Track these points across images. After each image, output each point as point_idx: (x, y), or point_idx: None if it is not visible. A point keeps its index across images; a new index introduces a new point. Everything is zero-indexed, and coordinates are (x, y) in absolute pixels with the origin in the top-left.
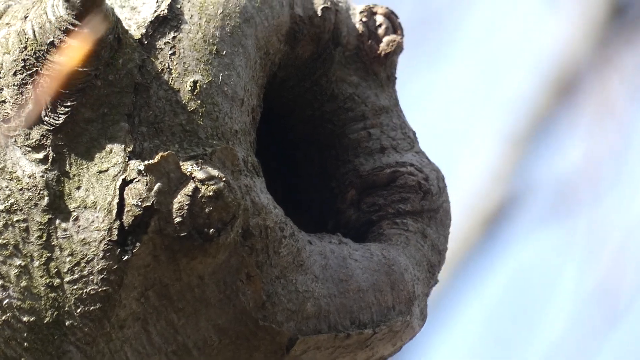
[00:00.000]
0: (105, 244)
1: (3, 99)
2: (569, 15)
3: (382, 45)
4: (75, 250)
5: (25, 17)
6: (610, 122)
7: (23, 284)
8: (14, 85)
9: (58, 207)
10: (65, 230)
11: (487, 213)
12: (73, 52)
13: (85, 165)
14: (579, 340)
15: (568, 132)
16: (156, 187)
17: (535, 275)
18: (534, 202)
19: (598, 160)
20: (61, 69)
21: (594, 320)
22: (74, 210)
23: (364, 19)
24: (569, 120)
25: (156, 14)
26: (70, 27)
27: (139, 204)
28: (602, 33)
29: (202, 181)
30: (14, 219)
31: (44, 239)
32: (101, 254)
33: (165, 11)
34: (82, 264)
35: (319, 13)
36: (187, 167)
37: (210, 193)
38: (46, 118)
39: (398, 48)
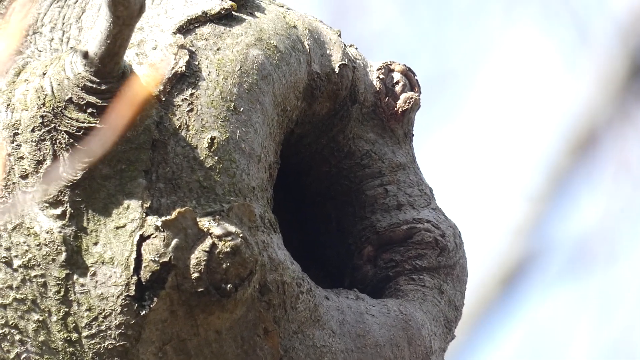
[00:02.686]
0: (122, 299)
1: (21, 155)
2: (588, 73)
3: (400, 103)
4: (92, 305)
5: (44, 74)
6: (628, 180)
7: (41, 338)
8: (32, 141)
9: (76, 263)
10: (82, 285)
11: (506, 270)
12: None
13: (103, 221)
14: None
15: (586, 190)
16: (173, 242)
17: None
18: (552, 259)
19: (616, 217)
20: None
21: None
22: (91, 266)
23: (382, 76)
24: (587, 178)
25: (174, 70)
26: (89, 84)
27: (157, 259)
28: (621, 91)
29: (220, 237)
30: (32, 274)
31: (62, 294)
32: (119, 309)
33: (183, 68)
34: (100, 319)
35: (337, 70)
36: (204, 223)
37: (228, 249)
38: (64, 174)
39: (415, 105)
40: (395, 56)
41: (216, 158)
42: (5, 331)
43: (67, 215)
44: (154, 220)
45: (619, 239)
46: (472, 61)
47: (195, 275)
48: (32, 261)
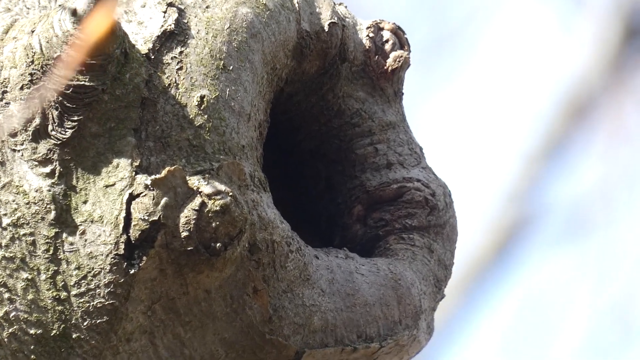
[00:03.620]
0: (112, 258)
1: (10, 113)
2: (584, 38)
3: (389, 61)
4: (82, 264)
5: (32, 32)
6: (624, 144)
7: (30, 297)
8: (20, 99)
9: (65, 221)
10: (72, 244)
11: (502, 233)
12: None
13: (92, 180)
14: None
15: (582, 153)
16: (163, 201)
17: (548, 294)
18: (549, 222)
19: (612, 181)
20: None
21: (608, 340)
22: (80, 224)
23: (371, 35)
24: (584, 141)
25: (163, 28)
26: (77, 41)
27: (146, 218)
28: (617, 55)
29: (209, 196)
30: (21, 233)
31: (51, 252)
32: (108, 268)
33: (172, 26)
34: (89, 278)
35: (326, 28)
36: (194, 181)
37: (217, 208)
38: (53, 132)
39: (405, 64)
40: (390, 18)
41: (206, 116)
42: None
43: (57, 174)
44: (143, 179)
45: (615, 202)
46: (468, 24)
47: (184, 234)
48: (21, 219)
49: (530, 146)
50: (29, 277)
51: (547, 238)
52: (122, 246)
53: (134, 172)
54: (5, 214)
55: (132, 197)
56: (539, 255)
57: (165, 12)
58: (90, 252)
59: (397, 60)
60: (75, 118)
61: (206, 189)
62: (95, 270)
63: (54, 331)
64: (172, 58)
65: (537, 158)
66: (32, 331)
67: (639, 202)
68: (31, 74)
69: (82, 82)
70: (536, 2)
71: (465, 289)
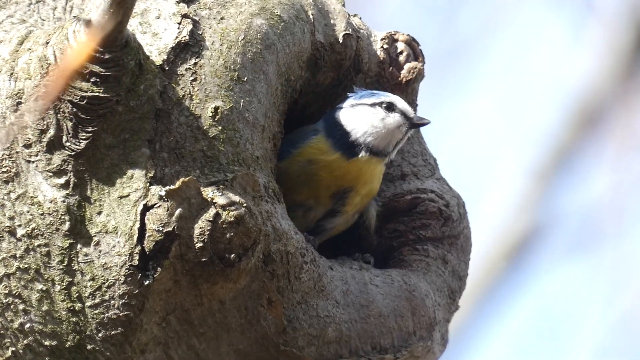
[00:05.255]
0: (126, 269)
1: (25, 124)
2: (594, 48)
3: (403, 72)
4: (96, 275)
5: (47, 43)
6: (635, 154)
7: (44, 308)
8: (35, 110)
9: (79, 232)
10: (86, 254)
11: (512, 244)
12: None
13: (107, 191)
14: None
15: (592, 164)
16: (177, 212)
17: (559, 305)
18: (559, 233)
19: (622, 192)
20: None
21: (619, 351)
22: (95, 235)
23: (386, 46)
24: (594, 152)
25: (177, 40)
26: (92, 53)
27: (160, 229)
28: (627, 66)
29: (223, 207)
30: (36, 244)
31: (65, 263)
32: (122, 279)
33: (187, 37)
34: (104, 289)
35: (340, 40)
36: (208, 192)
37: (232, 218)
38: (67, 143)
39: (419, 75)
40: (402, 29)
41: (220, 127)
42: (9, 300)
43: (71, 185)
44: (157, 190)
45: (626, 212)
46: (479, 35)
47: (199, 244)
48: (35, 230)
49: (542, 156)
50: (44, 288)
51: (559, 248)
52: (136, 257)
53: (148, 183)
54: (19, 225)
55: (146, 208)
56: (551, 266)
57: (179, 23)
58: (105, 263)
59: (412, 71)
60: (90, 129)
61: (220, 200)
62: (109, 281)
63: (69, 342)
64: (186, 69)
65: (548, 168)
66: (47, 342)
67: None
68: (46, 86)
69: (97, 94)
70: (547, 12)
71: (476, 300)
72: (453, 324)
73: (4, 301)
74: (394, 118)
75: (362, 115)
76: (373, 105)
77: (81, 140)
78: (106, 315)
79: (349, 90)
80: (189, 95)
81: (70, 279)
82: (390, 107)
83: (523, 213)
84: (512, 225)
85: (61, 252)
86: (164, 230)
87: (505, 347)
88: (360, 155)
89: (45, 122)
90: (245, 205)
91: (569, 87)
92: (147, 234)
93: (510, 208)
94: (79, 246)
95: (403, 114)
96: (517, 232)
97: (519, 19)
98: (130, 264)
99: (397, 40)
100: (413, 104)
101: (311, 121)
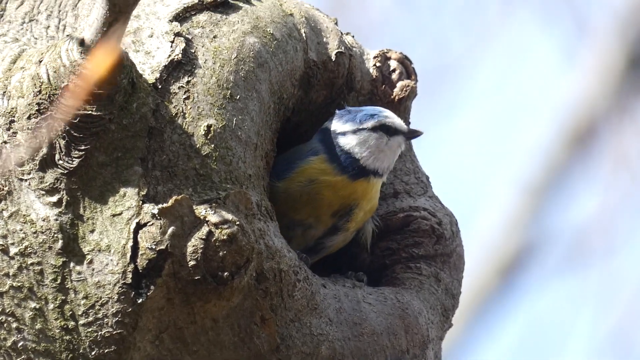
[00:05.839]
0: (119, 287)
1: (17, 143)
2: (586, 66)
3: (396, 91)
4: (89, 293)
5: (40, 61)
6: (626, 173)
7: (38, 326)
8: (28, 128)
9: (72, 250)
10: (79, 273)
11: (504, 261)
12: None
13: (99, 209)
14: None
15: (584, 182)
16: (170, 230)
17: (550, 322)
18: (550, 251)
19: (613, 210)
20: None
21: None
22: (88, 254)
23: (378, 64)
24: (585, 170)
25: (170, 58)
26: (85, 71)
27: (153, 247)
28: (619, 84)
29: (216, 225)
30: (29, 262)
31: (59, 281)
32: (116, 297)
33: (180, 56)
34: (97, 307)
35: (333, 58)
36: (201, 210)
37: (224, 237)
38: (60, 162)
39: (412, 93)
40: (393, 47)
41: (212, 146)
42: (2, 319)
43: (64, 203)
44: (150, 208)
45: (617, 231)
46: (470, 53)
47: (192, 263)
48: (28, 249)
49: (533, 175)
50: (37, 306)
51: (549, 266)
52: (129, 275)
53: (141, 202)
54: (12, 243)
55: (139, 226)
56: (541, 284)
57: (172, 41)
58: (98, 282)
59: (404, 89)
60: (82, 147)
61: (213, 218)
62: (103, 299)
63: None
64: (179, 87)
65: (539, 187)
66: None
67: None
68: (38, 104)
69: (89, 112)
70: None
71: (469, 316)
72: (446, 340)
73: None
74: (396, 140)
75: (366, 141)
76: (374, 129)
77: (74, 159)
78: (99, 333)
79: (339, 107)
80: (182, 114)
81: (63, 297)
82: (390, 130)
83: (515, 230)
84: (504, 243)
85: (54, 270)
86: (157, 249)
87: None
88: (369, 178)
89: (38, 141)
90: (238, 223)
91: (561, 105)
92: (140, 252)
93: (503, 225)
94: (72, 264)
95: (400, 131)
96: (509, 249)
97: (512, 37)
98: (123, 282)
99: (389, 59)
100: (406, 122)
101: (304, 139)
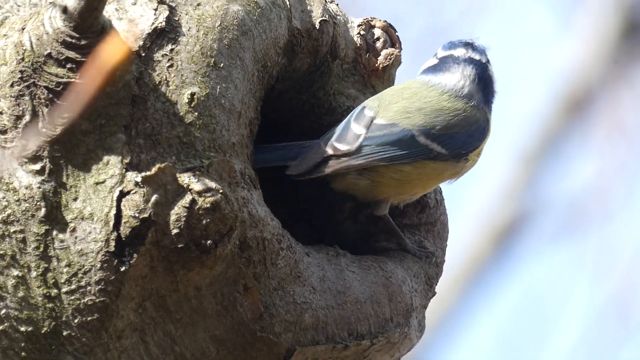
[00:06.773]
0: (102, 255)
1: (0, 110)
2: (582, 34)
3: (380, 59)
4: (72, 261)
5: (23, 29)
6: (622, 140)
7: (20, 294)
8: (10, 96)
9: (55, 218)
10: (62, 241)
11: (500, 229)
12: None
13: (82, 177)
14: (591, 356)
15: (580, 150)
16: (153, 198)
17: (546, 290)
18: (546, 218)
19: (609, 177)
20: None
21: (606, 336)
22: (71, 222)
23: (362, 32)
24: (581, 138)
25: (154, 26)
26: (68, 39)
27: (136, 215)
28: (615, 51)
29: (199, 193)
30: (11, 230)
31: (41, 249)
32: (98, 265)
33: (163, 23)
34: (80, 275)
35: (317, 26)
36: (184, 179)
37: (208, 205)
38: (43, 129)
39: (396, 61)
40: (388, 15)
41: (196, 114)
42: None
43: (47, 171)
44: (133, 176)
45: (613, 198)
46: (465, 20)
47: (175, 231)
48: (11, 217)
49: (528, 142)
50: (20, 274)
51: (545, 234)
52: (112, 243)
53: (124, 170)
54: None
55: (122, 195)
56: (537, 252)
57: (156, 9)
58: (81, 250)
59: (388, 57)
60: (65, 115)
61: (196, 186)
62: (85, 267)
63: (45, 328)
64: (162, 55)
65: (535, 154)
66: (22, 328)
67: (636, 198)
68: (21, 72)
69: (73, 80)
70: None
71: (463, 286)
72: (440, 310)
73: None
74: None
75: None
76: None
77: (57, 126)
78: (82, 301)
79: (325, 76)
80: (166, 82)
81: (46, 265)
82: None
83: (511, 198)
84: (500, 210)
85: (37, 238)
86: (140, 217)
87: (492, 332)
88: None
89: (21, 108)
90: (221, 191)
91: (556, 73)
92: (123, 221)
93: (497, 194)
94: (54, 232)
95: None
96: (505, 217)
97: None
98: (106, 250)
99: (373, 27)
100: None
101: (288, 107)
